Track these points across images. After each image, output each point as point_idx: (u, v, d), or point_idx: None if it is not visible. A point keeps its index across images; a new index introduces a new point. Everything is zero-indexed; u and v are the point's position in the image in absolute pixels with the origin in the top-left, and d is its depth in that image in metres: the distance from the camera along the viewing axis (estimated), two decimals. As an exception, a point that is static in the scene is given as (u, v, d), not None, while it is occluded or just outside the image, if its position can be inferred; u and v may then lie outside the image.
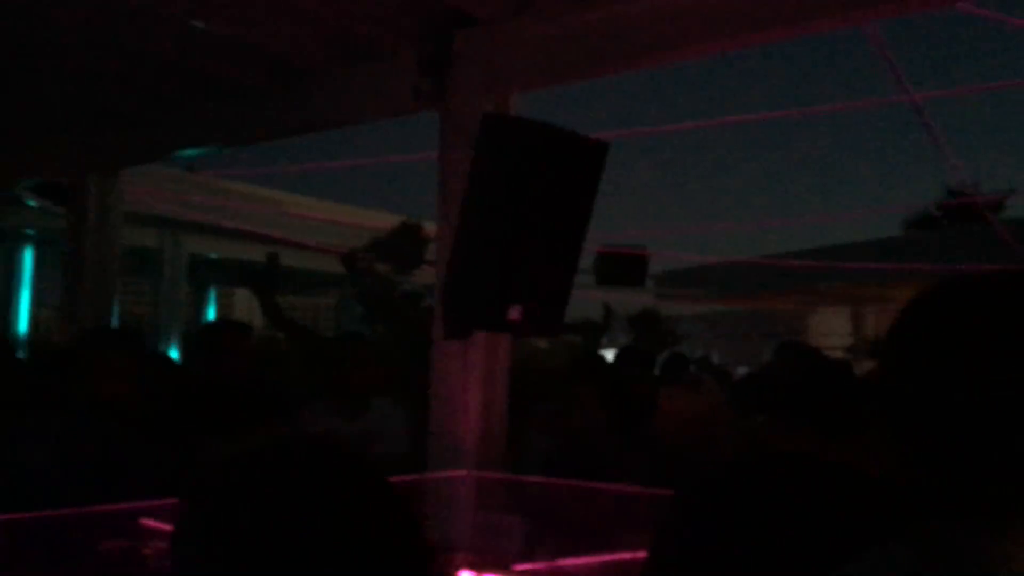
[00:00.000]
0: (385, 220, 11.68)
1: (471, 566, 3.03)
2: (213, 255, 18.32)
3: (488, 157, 2.85)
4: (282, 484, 1.06)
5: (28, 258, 16.69)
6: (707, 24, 2.99)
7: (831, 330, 19.85)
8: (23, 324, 16.25)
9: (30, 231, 15.65)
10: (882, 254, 14.64)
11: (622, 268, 10.97)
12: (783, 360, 3.48)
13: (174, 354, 12.22)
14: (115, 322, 5.47)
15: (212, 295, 21.54)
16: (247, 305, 20.59)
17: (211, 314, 20.80)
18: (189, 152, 5.38)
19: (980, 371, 0.83)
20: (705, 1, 3.00)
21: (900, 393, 0.89)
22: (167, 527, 2.13)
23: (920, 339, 0.91)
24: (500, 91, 3.29)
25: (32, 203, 5.55)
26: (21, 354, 8.70)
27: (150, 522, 2.46)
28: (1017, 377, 0.81)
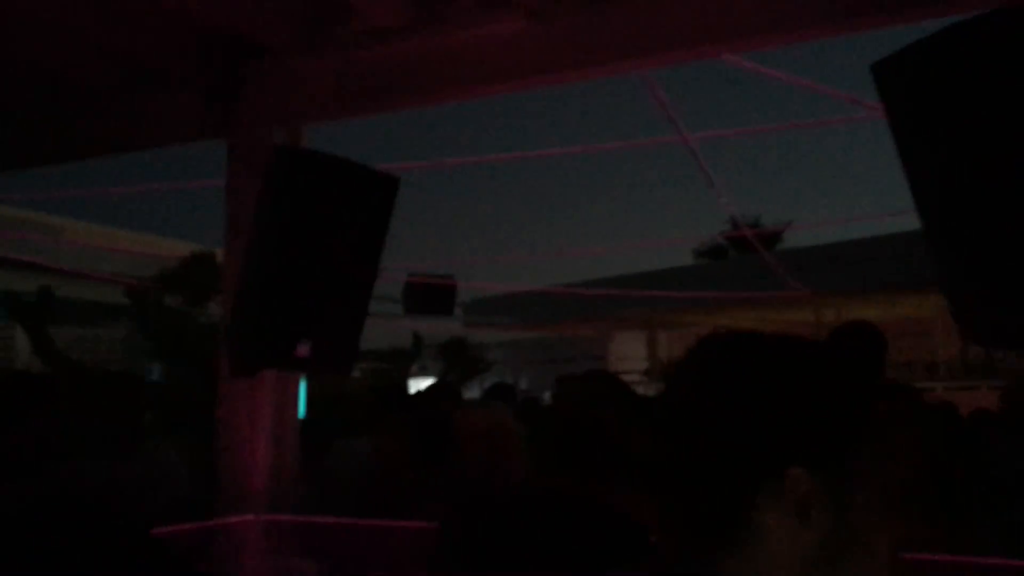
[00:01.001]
0: (180, 249, 11.17)
1: (261, 614, 2.92)
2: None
3: (277, 189, 2.78)
4: (21, 551, 0.98)
5: None
6: (497, 65, 3.08)
7: (629, 354, 20.77)
8: None
9: None
10: (674, 282, 15.51)
11: (430, 297, 11.02)
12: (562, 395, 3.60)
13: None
14: None
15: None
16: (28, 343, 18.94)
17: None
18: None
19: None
20: (495, 42, 3.09)
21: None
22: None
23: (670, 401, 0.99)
24: (290, 123, 3.23)
25: None
26: None
27: None
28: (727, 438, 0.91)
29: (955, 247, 1.76)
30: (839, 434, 0.89)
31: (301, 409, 3.52)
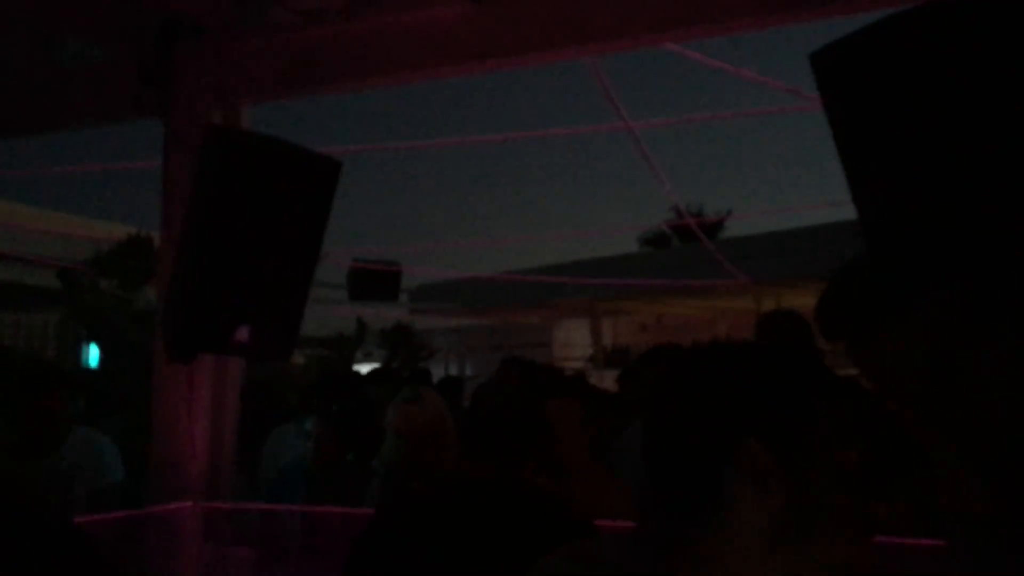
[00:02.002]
0: (116, 232, 10.89)
1: (196, 602, 2.88)
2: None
3: (213, 171, 2.72)
4: None
5: None
6: (438, 48, 3.05)
7: (573, 341, 20.90)
8: None
9: None
10: (618, 269, 15.63)
11: (375, 283, 10.92)
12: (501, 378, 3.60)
13: None
14: None
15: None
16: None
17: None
18: None
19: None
20: (437, 26, 3.05)
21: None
22: None
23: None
24: (227, 103, 3.16)
25: None
26: None
27: None
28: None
29: (888, 234, 1.79)
30: (790, 412, 0.98)
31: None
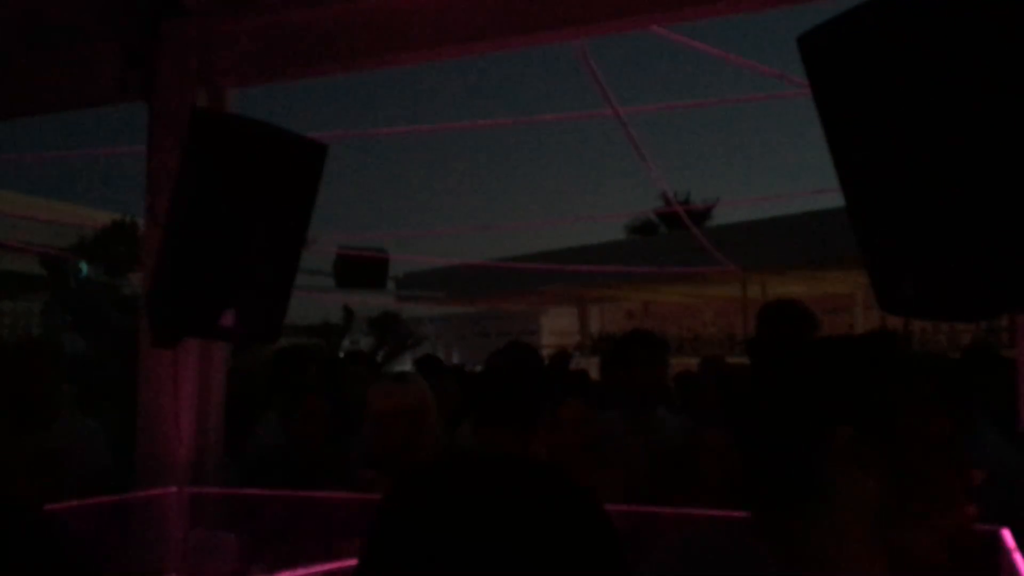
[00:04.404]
0: (100, 218, 10.82)
1: (183, 587, 2.87)
2: None
3: (198, 154, 2.70)
4: None
5: None
6: (425, 32, 3.03)
7: (561, 329, 20.93)
8: None
9: None
10: (606, 257, 15.63)
11: (362, 270, 10.92)
12: (502, 360, 3.59)
13: None
14: None
15: None
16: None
17: None
18: None
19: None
20: (424, 9, 3.03)
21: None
22: None
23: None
24: (213, 86, 3.14)
25: None
26: None
27: None
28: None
29: (875, 219, 1.80)
30: (877, 397, 1.03)
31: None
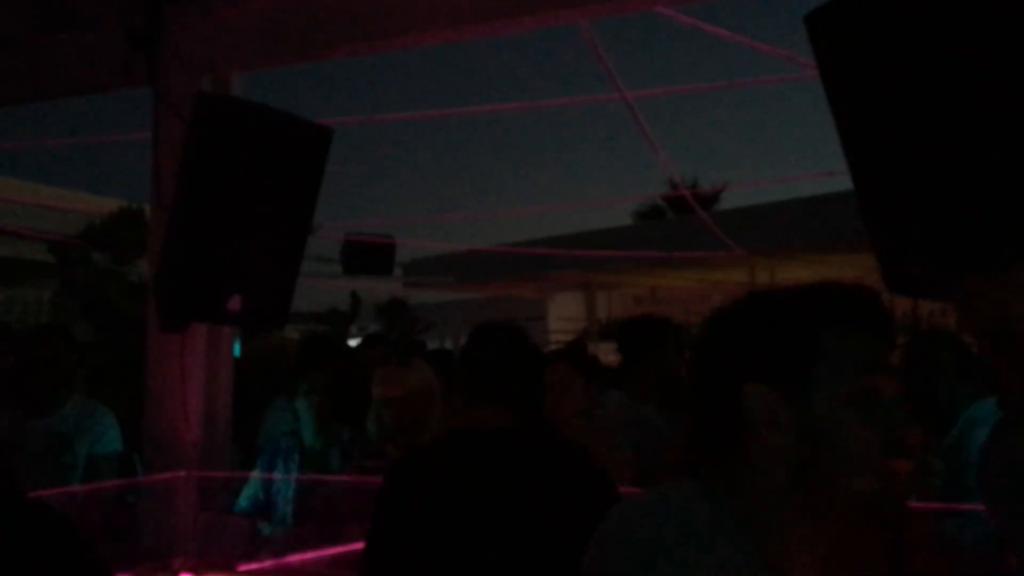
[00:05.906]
0: (108, 205, 10.83)
1: (192, 569, 2.89)
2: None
3: (203, 138, 2.70)
4: None
5: None
6: (431, 14, 3.01)
7: (568, 314, 20.90)
8: None
9: None
10: (613, 242, 15.59)
11: (369, 256, 10.88)
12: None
13: None
14: None
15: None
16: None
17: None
18: None
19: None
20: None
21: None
22: None
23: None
24: (218, 70, 3.13)
25: None
26: None
27: None
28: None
29: (883, 200, 1.78)
30: (791, 350, 1.00)
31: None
